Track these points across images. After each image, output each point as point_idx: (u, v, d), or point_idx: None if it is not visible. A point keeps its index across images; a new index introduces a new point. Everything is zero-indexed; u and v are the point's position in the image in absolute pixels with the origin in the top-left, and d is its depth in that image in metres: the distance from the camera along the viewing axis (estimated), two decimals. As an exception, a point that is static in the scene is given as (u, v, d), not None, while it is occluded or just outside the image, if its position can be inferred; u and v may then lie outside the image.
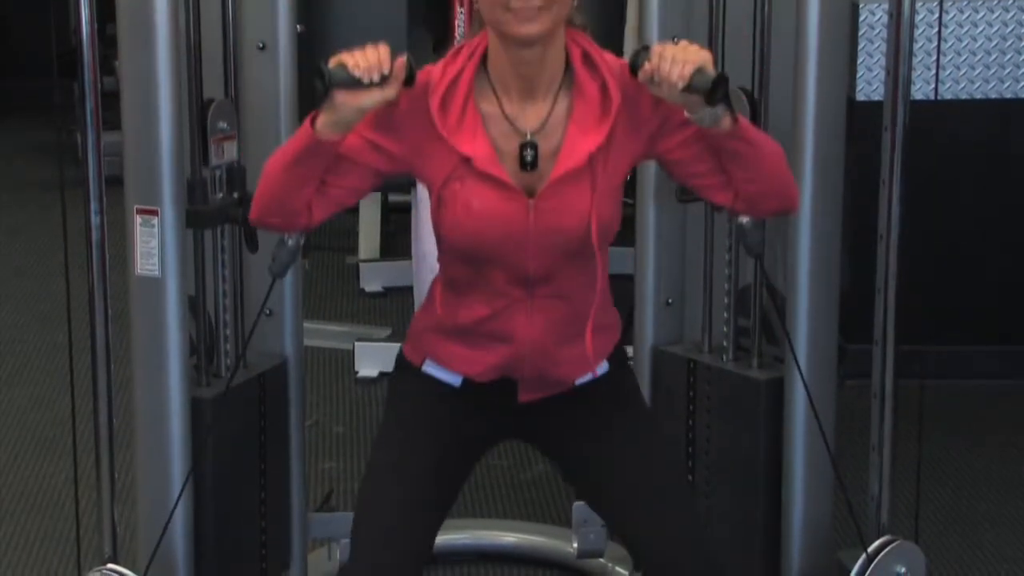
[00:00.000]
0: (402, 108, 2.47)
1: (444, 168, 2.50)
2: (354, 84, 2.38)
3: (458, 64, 2.51)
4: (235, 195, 3.02)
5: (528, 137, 2.50)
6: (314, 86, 2.40)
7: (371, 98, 2.40)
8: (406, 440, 2.65)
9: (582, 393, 2.66)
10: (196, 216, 2.93)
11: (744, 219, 2.74)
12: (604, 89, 2.49)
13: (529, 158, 2.49)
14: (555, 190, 2.49)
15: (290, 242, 2.70)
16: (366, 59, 2.38)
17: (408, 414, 2.68)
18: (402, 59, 2.40)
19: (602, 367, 2.67)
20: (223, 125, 2.99)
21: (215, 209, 2.98)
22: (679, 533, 2.60)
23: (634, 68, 2.41)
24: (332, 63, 2.39)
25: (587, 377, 2.66)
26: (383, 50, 2.39)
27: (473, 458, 2.75)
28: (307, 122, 2.44)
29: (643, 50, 2.41)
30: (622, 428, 2.66)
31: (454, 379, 2.65)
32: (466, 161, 2.48)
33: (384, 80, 2.39)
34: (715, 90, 2.35)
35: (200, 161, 2.96)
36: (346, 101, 2.40)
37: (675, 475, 2.74)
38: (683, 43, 2.39)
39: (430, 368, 2.66)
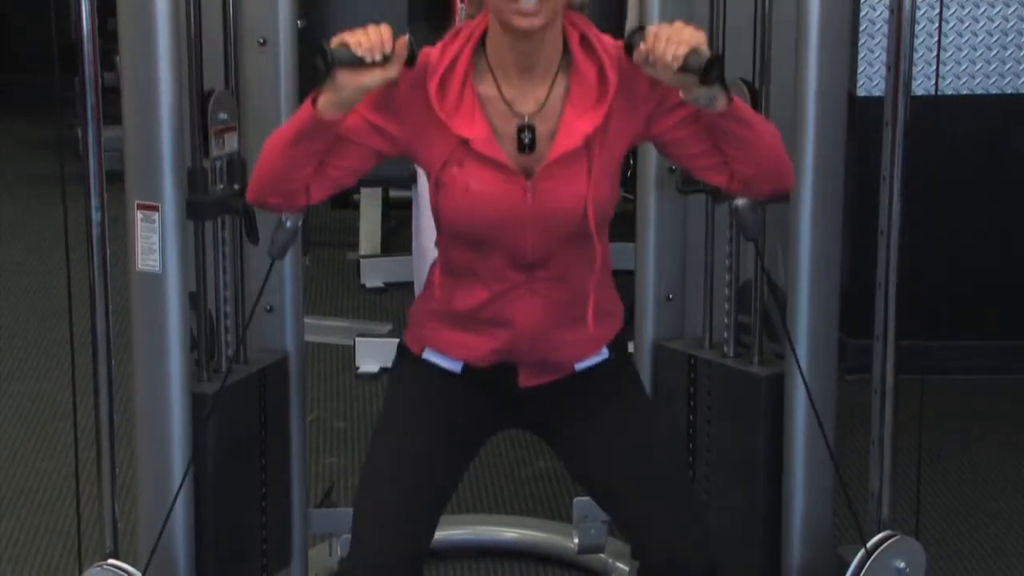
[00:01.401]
0: (401, 90, 2.48)
1: (443, 151, 2.50)
2: (356, 63, 2.38)
3: (456, 46, 2.51)
4: (236, 186, 3.01)
5: (526, 120, 2.51)
6: (316, 65, 2.41)
7: (373, 77, 2.41)
8: (407, 426, 2.65)
9: (583, 379, 2.67)
10: (196, 207, 2.93)
11: (740, 202, 2.75)
12: (601, 71, 2.50)
13: (527, 140, 2.50)
14: (552, 171, 2.50)
15: (288, 223, 2.70)
16: (368, 38, 2.39)
17: (408, 400, 2.68)
18: (404, 39, 2.42)
19: (603, 354, 2.67)
20: (224, 116, 2.99)
21: (215, 200, 2.97)
22: (677, 523, 2.60)
23: (629, 49, 2.43)
24: (334, 42, 2.40)
25: (588, 362, 2.66)
26: (385, 30, 2.41)
27: (474, 446, 2.74)
28: (308, 101, 2.45)
29: (638, 31, 2.43)
30: (623, 414, 2.66)
31: (454, 365, 2.65)
32: (464, 143, 2.49)
33: (386, 60, 2.40)
34: (709, 70, 2.36)
35: (200, 152, 2.95)
36: (348, 80, 2.40)
37: (675, 464, 2.74)
38: (678, 24, 2.40)
39: (430, 355, 2.66)
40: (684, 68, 2.36)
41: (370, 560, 2.56)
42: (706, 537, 2.62)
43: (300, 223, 2.73)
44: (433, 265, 2.66)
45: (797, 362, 2.96)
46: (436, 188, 2.53)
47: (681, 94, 2.45)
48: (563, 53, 2.52)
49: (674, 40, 2.36)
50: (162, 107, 2.82)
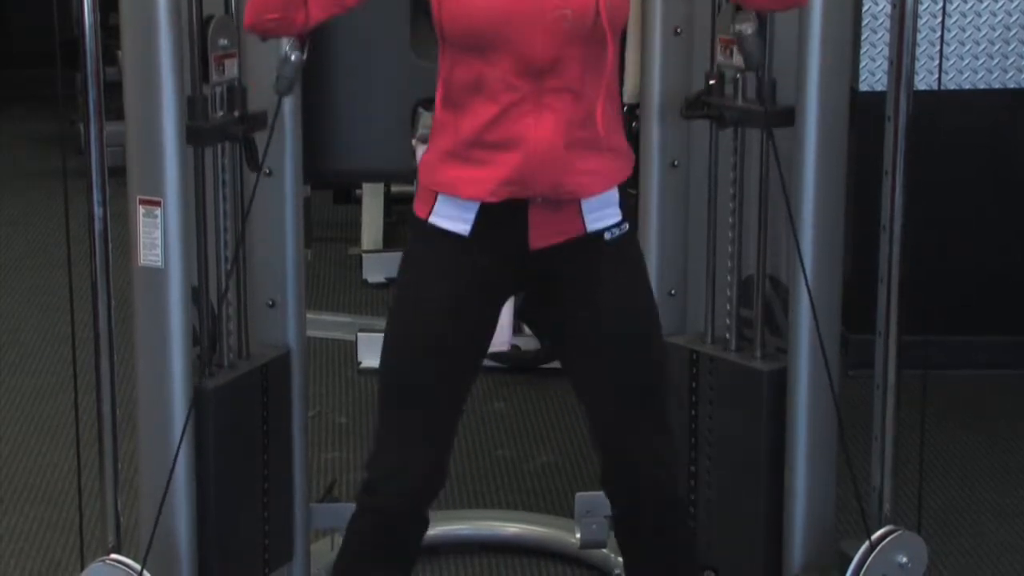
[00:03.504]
0: None
1: None
2: None
3: None
4: (235, 113, 2.97)
5: None
6: None
7: None
8: (420, 306, 2.64)
9: (593, 248, 2.64)
10: (196, 133, 2.89)
11: (746, 29, 2.74)
12: None
13: None
14: None
15: (293, 56, 2.66)
16: None
17: (420, 278, 2.66)
18: None
19: (615, 215, 2.64)
20: (224, 42, 2.94)
21: (215, 126, 2.93)
22: (645, 441, 2.67)
23: None
24: None
25: (599, 219, 2.63)
26: None
27: (488, 318, 2.70)
28: None
29: None
30: (624, 309, 2.67)
31: (463, 226, 2.61)
32: None
33: None
34: None
35: (200, 78, 2.91)
36: None
37: (656, 371, 2.74)
38: None
39: (439, 217, 2.62)
40: None
41: (392, 471, 2.61)
42: (672, 459, 2.70)
43: (305, 56, 2.66)
44: (435, 111, 2.62)
45: (823, 348, 2.96)
46: None
47: None
48: None
49: None
50: (164, 102, 2.82)
